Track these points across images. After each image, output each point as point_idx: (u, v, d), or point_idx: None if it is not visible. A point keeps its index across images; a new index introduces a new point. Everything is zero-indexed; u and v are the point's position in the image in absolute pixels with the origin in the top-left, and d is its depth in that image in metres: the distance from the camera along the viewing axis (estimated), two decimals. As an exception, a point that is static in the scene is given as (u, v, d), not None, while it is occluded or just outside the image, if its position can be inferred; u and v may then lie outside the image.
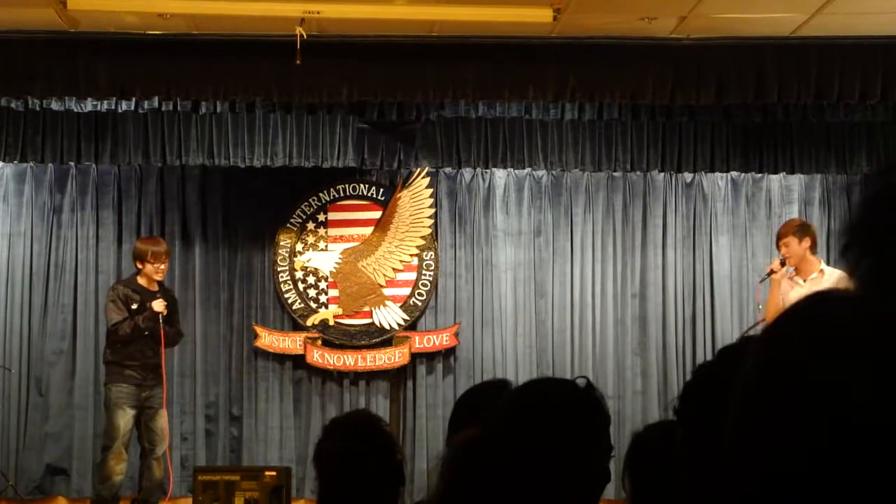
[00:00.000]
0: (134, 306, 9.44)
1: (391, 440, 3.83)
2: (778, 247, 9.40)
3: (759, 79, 9.28)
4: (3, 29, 8.99)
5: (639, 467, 2.83)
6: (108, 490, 9.46)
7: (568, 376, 10.47)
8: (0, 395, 10.61)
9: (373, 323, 11.08)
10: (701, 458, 2.00)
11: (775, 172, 10.93)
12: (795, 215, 11.16)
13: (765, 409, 1.18)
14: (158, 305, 9.45)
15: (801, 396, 1.15)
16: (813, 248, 9.32)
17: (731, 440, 1.21)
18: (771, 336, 1.23)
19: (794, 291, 9.24)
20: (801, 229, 9.34)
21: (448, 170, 11.08)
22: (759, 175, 11.12)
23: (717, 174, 11.08)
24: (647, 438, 2.89)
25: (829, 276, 9.24)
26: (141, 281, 9.60)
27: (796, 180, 11.22)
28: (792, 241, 9.22)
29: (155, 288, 9.62)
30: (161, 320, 9.45)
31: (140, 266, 9.63)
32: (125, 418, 9.39)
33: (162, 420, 9.57)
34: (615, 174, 11.12)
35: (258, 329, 10.99)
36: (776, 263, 9.36)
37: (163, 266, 9.64)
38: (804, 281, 9.21)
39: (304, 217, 11.13)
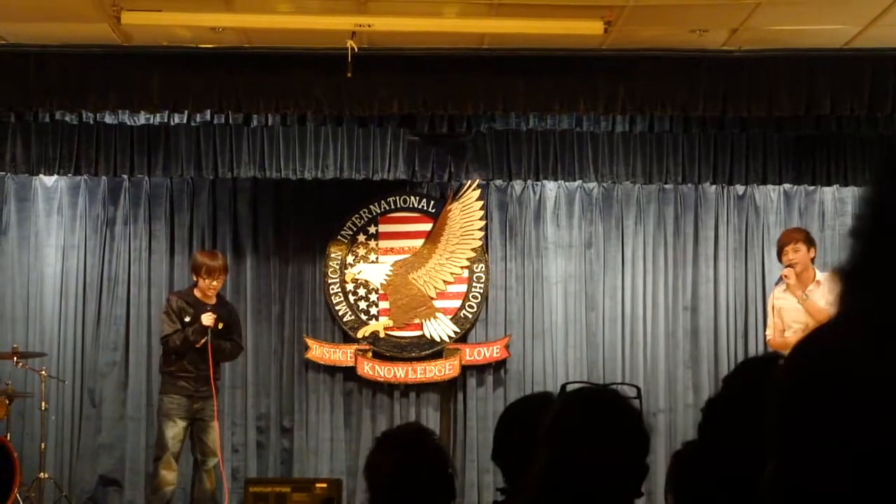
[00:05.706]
0: (187, 318, 9.50)
1: (442, 454, 3.83)
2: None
3: (811, 91, 9.22)
4: (57, 43, 9.07)
5: (681, 483, 2.82)
6: (159, 500, 9.51)
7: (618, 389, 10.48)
8: (54, 406, 10.67)
9: (423, 335, 11.08)
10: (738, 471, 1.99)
11: (828, 184, 10.85)
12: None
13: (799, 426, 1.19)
14: (207, 319, 9.48)
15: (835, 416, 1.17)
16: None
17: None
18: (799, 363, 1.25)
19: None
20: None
21: (499, 182, 11.07)
22: (812, 187, 11.04)
23: (770, 186, 11.01)
24: (687, 454, 2.88)
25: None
26: (197, 293, 9.66)
27: (849, 192, 11.12)
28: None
29: (212, 301, 9.66)
30: (209, 334, 9.49)
31: (195, 279, 9.70)
32: (175, 429, 9.45)
33: (214, 432, 9.61)
34: (666, 186, 11.08)
35: (309, 341, 11.01)
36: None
37: (215, 283, 9.66)
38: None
39: (355, 229, 11.15)
